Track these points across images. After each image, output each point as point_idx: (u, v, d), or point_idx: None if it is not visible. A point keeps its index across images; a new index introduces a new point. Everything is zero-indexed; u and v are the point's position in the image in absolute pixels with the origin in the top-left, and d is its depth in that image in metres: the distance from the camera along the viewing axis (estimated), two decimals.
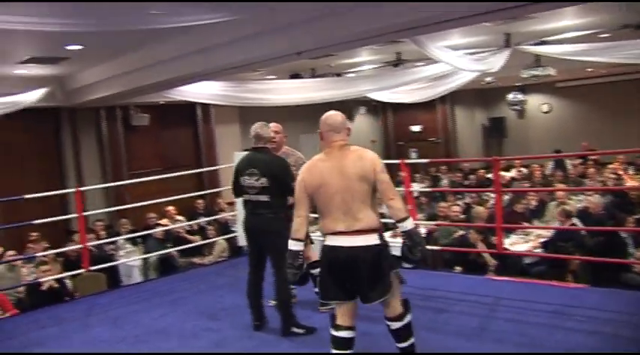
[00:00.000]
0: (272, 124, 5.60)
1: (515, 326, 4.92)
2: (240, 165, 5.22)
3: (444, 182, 14.86)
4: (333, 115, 4.13)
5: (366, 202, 3.84)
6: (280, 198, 5.10)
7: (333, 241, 3.88)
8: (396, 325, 3.97)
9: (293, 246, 3.98)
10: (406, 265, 3.99)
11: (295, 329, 5.09)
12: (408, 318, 4.00)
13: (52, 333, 5.62)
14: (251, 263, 5.35)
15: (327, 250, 3.92)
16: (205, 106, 13.94)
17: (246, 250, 5.57)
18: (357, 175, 3.83)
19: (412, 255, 3.96)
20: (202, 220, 10.24)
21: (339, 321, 3.94)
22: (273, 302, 5.42)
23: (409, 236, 3.93)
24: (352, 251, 3.80)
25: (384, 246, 3.90)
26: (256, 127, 5.23)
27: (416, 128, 19.98)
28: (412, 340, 4.01)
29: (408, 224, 3.93)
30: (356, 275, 3.81)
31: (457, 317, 5.24)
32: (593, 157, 14.00)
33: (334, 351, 3.92)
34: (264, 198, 5.05)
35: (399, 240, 5.14)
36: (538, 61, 11.21)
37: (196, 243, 9.23)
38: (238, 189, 5.27)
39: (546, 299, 5.49)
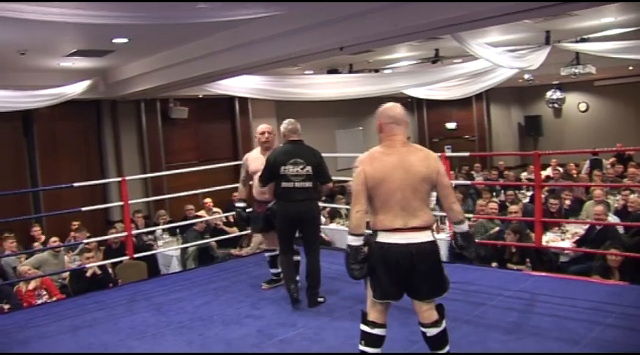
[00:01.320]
0: (265, 125, 6.41)
1: (553, 320, 4.94)
2: (280, 156, 5.68)
3: (479, 180, 14.80)
4: (396, 106, 4.01)
5: (424, 201, 3.83)
6: (316, 186, 5.73)
7: (388, 238, 3.79)
8: (434, 331, 3.86)
9: (353, 241, 3.83)
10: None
11: (320, 299, 5.69)
12: (444, 324, 3.89)
13: (100, 317, 5.79)
14: (286, 247, 5.80)
15: (382, 247, 3.80)
16: (243, 100, 14.10)
17: (281, 236, 5.86)
18: (422, 174, 3.79)
19: (467, 252, 4.15)
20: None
21: (374, 318, 3.90)
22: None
23: (465, 237, 4.07)
24: (409, 248, 3.74)
25: (437, 243, 3.89)
26: (291, 122, 5.89)
27: (451, 125, 19.93)
28: (448, 347, 3.89)
29: (465, 226, 4.05)
30: (412, 272, 3.76)
31: (494, 311, 5.28)
32: (631, 159, 13.84)
33: (368, 349, 3.88)
34: (308, 184, 5.58)
35: (442, 236, 5.32)
36: (577, 58, 11.14)
37: (234, 235, 9.37)
38: (275, 177, 5.69)
39: (584, 295, 5.49)
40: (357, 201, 3.83)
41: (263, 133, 6.37)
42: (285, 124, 5.87)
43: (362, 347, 3.89)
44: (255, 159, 6.30)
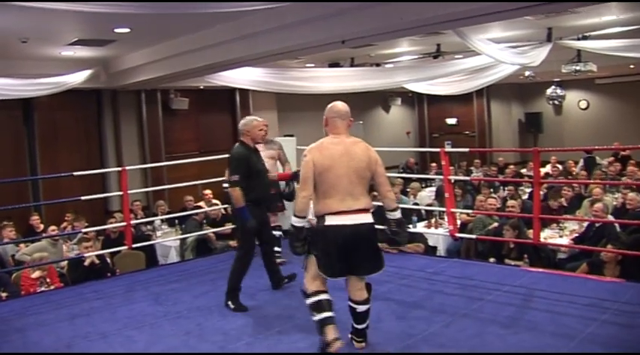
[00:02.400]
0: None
1: (550, 316, 4.97)
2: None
3: (478, 176, 14.81)
4: (340, 104, 4.46)
5: (365, 187, 4.30)
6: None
7: (335, 220, 4.19)
8: (362, 307, 4.32)
9: (297, 222, 4.28)
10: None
11: (230, 304, 5.53)
12: (370, 303, 4.36)
13: (98, 306, 5.81)
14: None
15: (330, 229, 4.19)
16: (244, 92, 14.09)
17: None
18: (364, 163, 4.24)
19: (400, 238, 4.60)
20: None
21: (316, 288, 4.31)
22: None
23: (398, 224, 4.48)
24: (353, 228, 4.17)
25: (374, 225, 4.32)
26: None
27: (451, 121, 19.92)
28: (368, 321, 4.40)
29: (398, 214, 4.49)
30: (353, 250, 4.20)
31: (491, 306, 5.31)
32: (630, 158, 13.83)
33: (321, 315, 4.23)
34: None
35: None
36: (579, 56, 11.14)
37: (232, 227, 9.36)
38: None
39: (581, 291, 5.52)
40: (305, 187, 4.25)
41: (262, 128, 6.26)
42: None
43: (316, 318, 4.25)
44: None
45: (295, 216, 4.29)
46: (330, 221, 4.20)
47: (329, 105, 4.45)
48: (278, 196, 6.80)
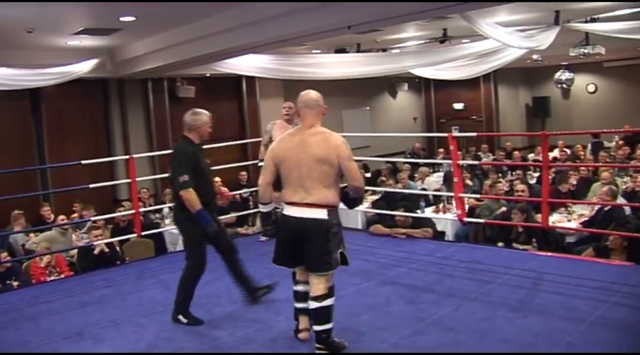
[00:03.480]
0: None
1: (559, 299, 4.98)
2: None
3: (486, 160, 14.78)
4: (308, 93, 4.36)
5: (322, 181, 4.11)
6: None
7: (287, 210, 4.22)
8: (314, 304, 4.12)
9: (262, 208, 4.46)
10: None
11: (182, 318, 5.01)
12: (328, 302, 4.12)
13: (108, 294, 5.86)
14: None
15: (281, 218, 4.30)
16: (250, 79, 14.06)
17: None
18: (318, 156, 4.08)
19: (350, 207, 4.54)
20: (245, 191, 10.45)
21: (300, 277, 4.40)
22: None
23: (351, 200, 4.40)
24: (300, 221, 4.12)
25: (333, 223, 4.13)
26: (186, 115, 5.20)
27: (458, 106, 19.83)
28: (328, 327, 4.11)
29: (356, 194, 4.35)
30: (302, 243, 4.13)
31: (501, 289, 5.32)
32: (638, 142, 13.76)
33: (295, 304, 4.43)
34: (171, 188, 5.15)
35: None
36: (587, 39, 11.05)
37: (240, 213, 9.40)
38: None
39: (590, 275, 5.52)
40: (263, 174, 4.36)
41: (284, 108, 7.35)
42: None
43: (294, 304, 4.49)
44: (279, 127, 6.89)
45: (260, 202, 4.48)
46: (285, 210, 4.25)
47: (298, 97, 4.37)
48: None
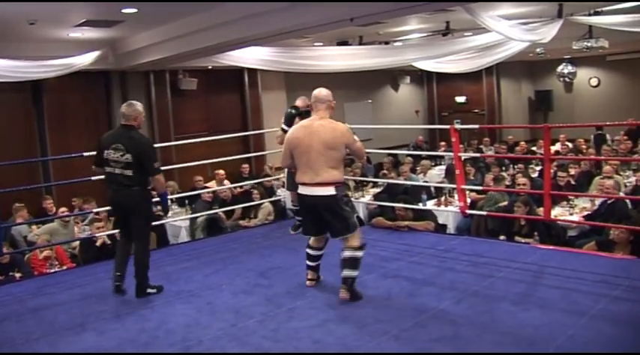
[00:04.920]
0: (302, 98, 7.08)
1: (561, 292, 4.97)
2: (106, 139, 5.59)
3: (488, 154, 14.75)
4: (320, 90, 5.17)
5: (328, 163, 4.94)
6: (143, 174, 5.43)
7: (302, 190, 5.09)
8: (345, 253, 4.98)
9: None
10: None
11: (150, 290, 5.51)
12: (358, 254, 4.99)
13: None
14: (122, 233, 5.76)
15: (300, 196, 5.18)
16: (252, 72, 14.07)
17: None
18: (326, 142, 4.91)
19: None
20: (246, 183, 10.46)
21: (310, 243, 5.34)
22: None
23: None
24: (312, 199, 5.01)
25: (341, 195, 5.02)
26: (127, 104, 5.61)
27: (461, 99, 19.82)
28: (355, 273, 4.97)
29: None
30: (319, 216, 5.03)
31: (502, 283, 5.31)
32: None
33: (307, 262, 5.41)
34: (128, 172, 5.38)
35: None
36: (590, 32, 11.02)
37: (242, 205, 9.41)
38: (100, 161, 5.60)
39: (592, 268, 5.51)
40: (283, 158, 5.32)
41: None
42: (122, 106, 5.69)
43: (306, 261, 5.44)
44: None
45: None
46: (300, 190, 5.13)
47: (313, 92, 5.16)
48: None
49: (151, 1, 7.10)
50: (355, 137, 5.16)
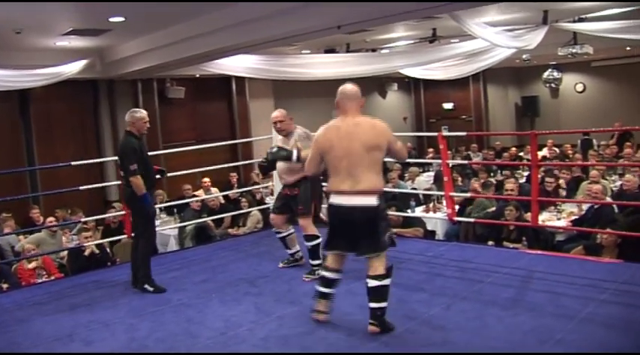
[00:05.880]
0: (276, 112, 6.23)
1: (549, 297, 4.99)
2: None
3: (476, 160, 14.83)
4: (348, 85, 4.58)
5: (370, 168, 4.33)
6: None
7: (336, 199, 4.41)
8: (372, 283, 4.34)
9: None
10: None
11: (147, 286, 5.82)
12: (386, 281, 4.35)
13: (98, 295, 5.82)
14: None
15: (332, 206, 4.45)
16: (240, 80, 14.08)
17: None
18: (368, 143, 4.29)
19: None
20: (235, 191, 10.45)
21: (327, 263, 4.63)
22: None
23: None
24: (351, 210, 4.33)
25: (382, 208, 4.40)
26: (130, 111, 5.95)
27: (448, 106, 19.92)
28: (384, 305, 4.35)
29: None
30: (353, 229, 4.35)
31: (491, 288, 5.33)
32: (627, 140, 13.86)
33: (320, 288, 4.61)
34: (122, 173, 5.85)
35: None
36: (575, 38, 11.12)
37: (231, 214, 9.40)
38: None
39: (580, 272, 5.54)
40: (309, 164, 4.66)
41: (274, 123, 6.21)
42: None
43: (318, 287, 4.64)
44: (278, 142, 6.28)
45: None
46: (333, 199, 4.43)
47: (339, 90, 4.53)
48: (302, 197, 6.04)
49: (146, 0, 7.03)
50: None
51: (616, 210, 7.79)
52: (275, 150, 5.82)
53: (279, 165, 6.01)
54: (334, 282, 4.60)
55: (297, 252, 6.41)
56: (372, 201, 4.30)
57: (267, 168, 6.14)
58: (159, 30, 9.10)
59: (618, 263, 5.91)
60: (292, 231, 6.33)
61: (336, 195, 4.41)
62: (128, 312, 5.28)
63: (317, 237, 5.91)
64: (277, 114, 6.21)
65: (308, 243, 5.98)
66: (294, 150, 5.66)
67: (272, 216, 6.37)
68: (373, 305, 4.36)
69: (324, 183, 5.01)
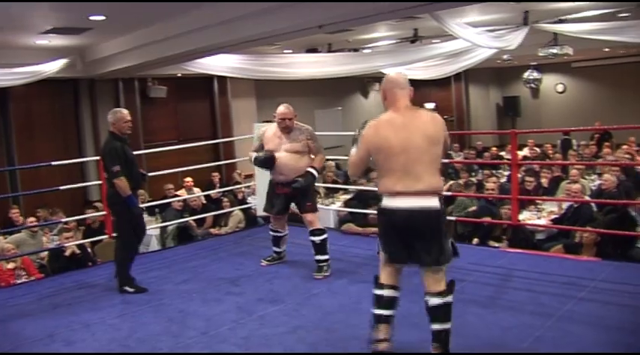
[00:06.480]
0: (283, 108, 5.99)
1: (529, 295, 5.05)
2: None
3: (457, 160, 14.90)
4: (396, 73, 4.13)
5: (433, 164, 3.78)
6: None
7: (391, 202, 3.79)
8: (434, 301, 3.78)
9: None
10: None
11: (127, 288, 5.78)
12: (449, 299, 3.80)
13: (79, 296, 5.79)
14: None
15: (386, 211, 3.83)
16: (222, 79, 14.05)
17: None
18: (429, 137, 3.75)
19: None
20: (217, 191, 10.43)
21: (382, 280, 3.95)
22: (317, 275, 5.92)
23: None
24: (410, 212, 3.72)
25: (444, 210, 3.83)
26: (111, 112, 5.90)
27: (430, 105, 19.91)
28: (448, 326, 3.78)
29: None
30: (413, 237, 3.75)
31: (472, 287, 5.36)
32: (607, 140, 14.04)
33: (378, 311, 3.90)
34: (105, 174, 5.92)
35: None
36: (555, 39, 11.22)
37: (212, 213, 9.39)
38: None
39: (559, 271, 5.61)
40: (356, 166, 4.10)
41: (280, 117, 5.99)
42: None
43: (374, 310, 3.92)
44: (271, 138, 6.08)
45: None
46: (387, 202, 3.83)
47: (385, 77, 4.10)
48: (306, 193, 6.04)
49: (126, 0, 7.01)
50: None
51: (595, 208, 7.90)
52: (304, 180, 5.88)
53: (285, 161, 5.94)
54: (394, 302, 3.92)
55: (284, 251, 6.47)
56: (434, 202, 3.72)
57: (300, 192, 5.99)
58: (140, 29, 9.05)
59: (596, 261, 5.98)
60: (287, 231, 6.41)
61: (391, 197, 3.79)
62: (109, 313, 5.26)
63: (325, 232, 5.97)
64: (286, 111, 5.94)
65: (316, 238, 5.93)
66: (312, 170, 5.94)
67: (276, 217, 6.29)
68: (436, 326, 3.78)
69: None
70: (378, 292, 3.92)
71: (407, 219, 3.73)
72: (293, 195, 6.04)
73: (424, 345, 3.93)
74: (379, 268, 4.00)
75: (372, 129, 3.91)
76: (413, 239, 3.75)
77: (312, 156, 6.09)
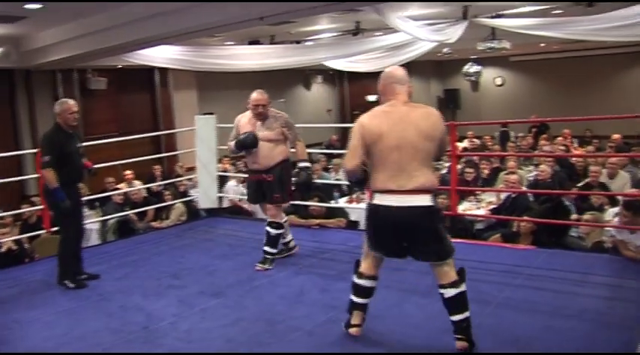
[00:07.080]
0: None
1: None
2: None
3: None
4: (396, 68, 4.05)
5: (425, 161, 3.74)
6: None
7: (382, 200, 3.76)
8: (449, 292, 3.82)
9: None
10: None
11: (68, 283, 5.64)
12: (462, 287, 3.85)
13: (14, 293, 5.64)
14: None
15: (379, 208, 3.80)
16: (163, 71, 13.86)
17: None
18: (424, 133, 3.71)
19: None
20: (159, 184, 10.30)
21: (362, 269, 4.07)
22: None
23: None
24: (403, 211, 3.70)
25: (438, 208, 3.89)
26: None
27: (372, 98, 20.02)
28: (467, 314, 3.85)
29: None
30: (405, 235, 3.78)
31: (412, 276, 5.40)
32: (544, 132, 14.42)
33: (354, 298, 4.09)
34: None
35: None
36: (493, 33, 11.45)
37: (154, 207, 9.27)
38: None
39: (497, 259, 5.77)
40: (352, 157, 3.81)
41: (253, 103, 5.91)
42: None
43: (351, 297, 4.10)
44: (244, 126, 5.97)
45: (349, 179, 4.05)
46: (378, 199, 3.79)
47: (383, 73, 3.99)
48: (277, 184, 5.95)
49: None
50: None
51: (531, 198, 8.11)
52: (305, 174, 5.92)
53: (260, 148, 5.82)
54: (371, 291, 4.08)
55: (291, 240, 6.35)
56: (427, 200, 3.72)
57: (304, 188, 6.07)
58: (78, 19, 8.83)
59: (532, 249, 6.16)
60: (286, 218, 6.26)
61: (383, 194, 3.75)
62: (46, 310, 5.14)
63: (282, 227, 5.94)
64: (260, 97, 5.85)
65: (272, 230, 5.89)
66: (305, 163, 5.98)
67: (262, 206, 6.21)
68: (456, 317, 3.83)
69: None
70: (358, 281, 4.06)
71: (400, 217, 3.72)
72: (264, 184, 5.92)
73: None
74: (361, 257, 4.15)
75: (367, 119, 3.84)
76: (408, 237, 3.79)
77: (291, 146, 6.06)
